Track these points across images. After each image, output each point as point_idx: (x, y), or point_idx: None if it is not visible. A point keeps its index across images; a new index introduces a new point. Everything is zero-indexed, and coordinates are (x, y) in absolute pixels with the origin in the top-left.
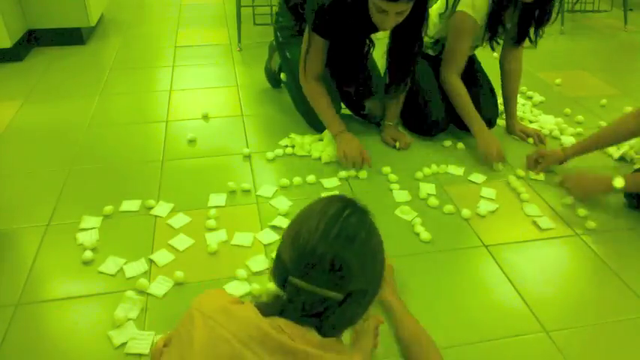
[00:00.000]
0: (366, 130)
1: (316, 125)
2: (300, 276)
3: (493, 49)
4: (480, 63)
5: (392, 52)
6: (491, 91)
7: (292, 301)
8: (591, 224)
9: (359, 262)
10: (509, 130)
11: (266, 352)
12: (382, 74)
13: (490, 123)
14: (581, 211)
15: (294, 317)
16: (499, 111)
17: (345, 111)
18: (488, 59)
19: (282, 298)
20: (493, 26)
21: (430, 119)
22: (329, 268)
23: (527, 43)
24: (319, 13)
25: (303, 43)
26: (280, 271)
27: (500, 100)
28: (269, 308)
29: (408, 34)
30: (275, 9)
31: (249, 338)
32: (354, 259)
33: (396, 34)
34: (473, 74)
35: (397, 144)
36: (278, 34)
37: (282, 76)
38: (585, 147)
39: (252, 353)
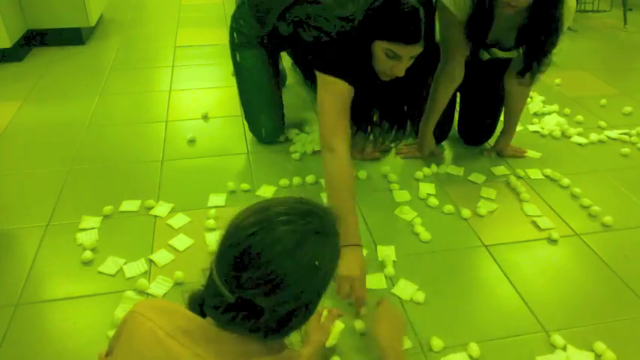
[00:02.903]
0: None
1: (256, 135)
2: (215, 265)
3: (476, 61)
4: None
5: (386, 101)
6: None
7: (205, 290)
8: (591, 224)
9: (269, 272)
10: (496, 146)
11: (191, 341)
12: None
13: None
14: (582, 212)
15: (210, 312)
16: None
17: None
18: None
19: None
20: (471, 34)
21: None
22: (233, 263)
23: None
24: (326, 54)
25: (318, 97)
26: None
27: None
28: (193, 299)
29: (409, 80)
30: None
31: (174, 328)
32: (263, 266)
33: (395, 80)
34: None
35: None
36: (234, 34)
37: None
38: None
39: (178, 343)
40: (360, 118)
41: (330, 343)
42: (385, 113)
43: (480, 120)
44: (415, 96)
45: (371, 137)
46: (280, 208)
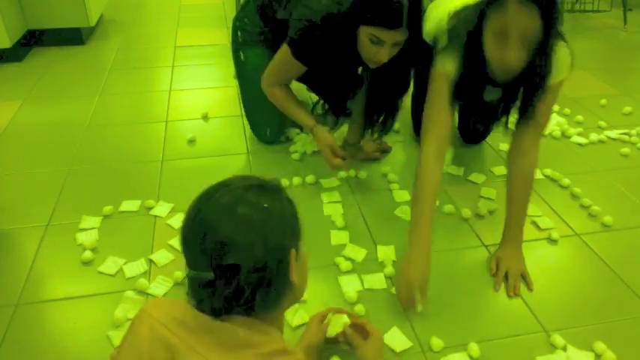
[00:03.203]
0: None
1: (259, 136)
2: (187, 265)
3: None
4: None
5: (373, 92)
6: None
7: (189, 295)
8: (591, 224)
9: (224, 232)
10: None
11: (185, 331)
12: None
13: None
14: (582, 212)
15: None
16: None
17: None
18: None
19: None
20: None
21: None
22: (195, 245)
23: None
24: (302, 38)
25: (277, 54)
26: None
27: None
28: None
29: (396, 71)
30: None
31: (170, 319)
32: (218, 229)
33: (381, 71)
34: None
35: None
36: (238, 33)
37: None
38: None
39: (171, 333)
40: (339, 106)
41: (333, 332)
42: (373, 104)
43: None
44: (401, 86)
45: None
46: (217, 182)
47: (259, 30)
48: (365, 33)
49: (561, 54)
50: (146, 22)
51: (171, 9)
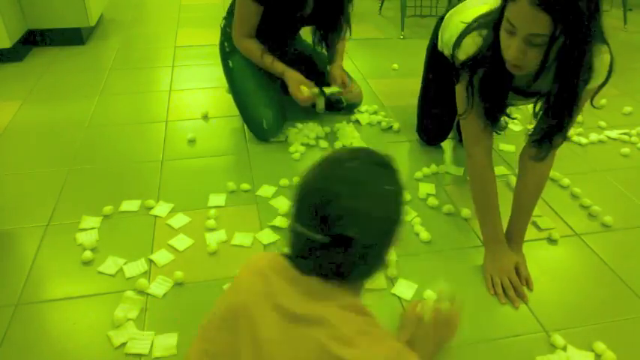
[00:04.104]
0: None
1: (257, 133)
2: (296, 219)
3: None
4: None
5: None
6: None
7: (291, 246)
8: (591, 224)
9: (349, 204)
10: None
11: (281, 279)
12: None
13: None
14: (582, 212)
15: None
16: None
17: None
18: None
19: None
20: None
21: (431, 132)
22: (315, 207)
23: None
24: None
25: (236, 8)
26: (290, 223)
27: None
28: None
29: None
30: None
31: (268, 267)
32: (343, 200)
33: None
34: None
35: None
36: (225, 43)
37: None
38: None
39: (264, 278)
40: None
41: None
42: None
43: None
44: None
45: None
46: (345, 151)
47: None
48: None
49: (600, 58)
50: (146, 22)
51: (171, 9)
